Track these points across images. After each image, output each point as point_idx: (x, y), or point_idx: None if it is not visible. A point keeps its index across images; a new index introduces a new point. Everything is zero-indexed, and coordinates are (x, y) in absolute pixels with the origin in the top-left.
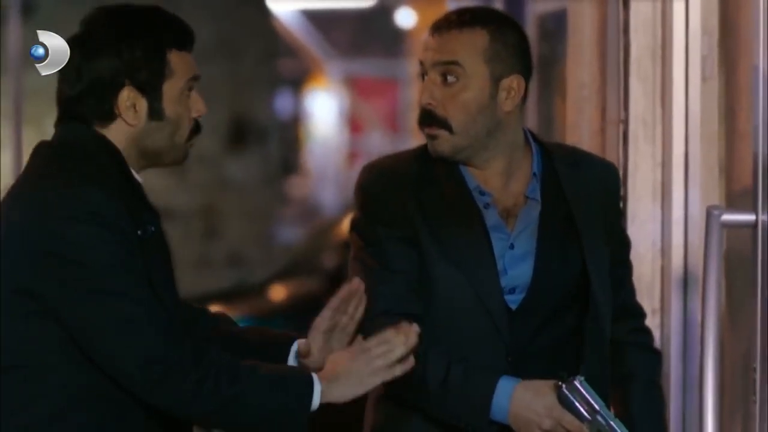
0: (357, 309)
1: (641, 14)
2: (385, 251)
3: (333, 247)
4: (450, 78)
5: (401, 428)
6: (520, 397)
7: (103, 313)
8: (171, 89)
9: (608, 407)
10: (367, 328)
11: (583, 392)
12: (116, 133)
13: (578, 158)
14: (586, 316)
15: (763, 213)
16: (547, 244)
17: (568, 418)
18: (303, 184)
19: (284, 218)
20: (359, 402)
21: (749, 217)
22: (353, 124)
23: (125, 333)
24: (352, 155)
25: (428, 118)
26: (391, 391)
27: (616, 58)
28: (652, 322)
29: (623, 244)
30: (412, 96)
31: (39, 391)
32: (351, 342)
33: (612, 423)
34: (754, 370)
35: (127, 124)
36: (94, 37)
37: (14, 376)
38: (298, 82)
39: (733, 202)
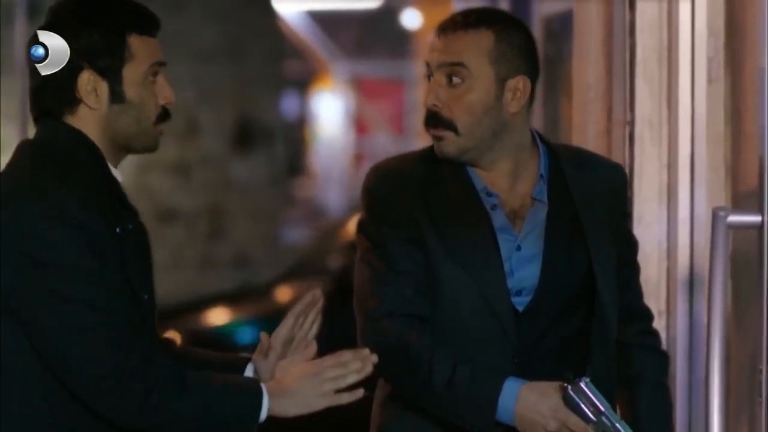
0: (313, 324)
1: (647, 15)
2: (391, 252)
3: (339, 248)
4: (455, 79)
5: (408, 428)
6: (526, 398)
7: (58, 319)
8: (132, 73)
9: (614, 408)
10: (371, 329)
11: (589, 393)
12: (84, 122)
13: (584, 159)
14: (592, 318)
15: None
16: (554, 245)
17: (574, 420)
18: (309, 185)
19: (290, 219)
20: (366, 402)
21: (755, 219)
22: (359, 125)
23: (77, 343)
24: (358, 156)
25: (434, 120)
26: (397, 391)
27: (622, 60)
28: (658, 323)
29: (630, 245)
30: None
31: (10, 394)
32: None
33: (617, 424)
34: (761, 371)
35: (90, 109)
36: (54, 24)
37: None
38: (303, 84)
39: (739, 204)
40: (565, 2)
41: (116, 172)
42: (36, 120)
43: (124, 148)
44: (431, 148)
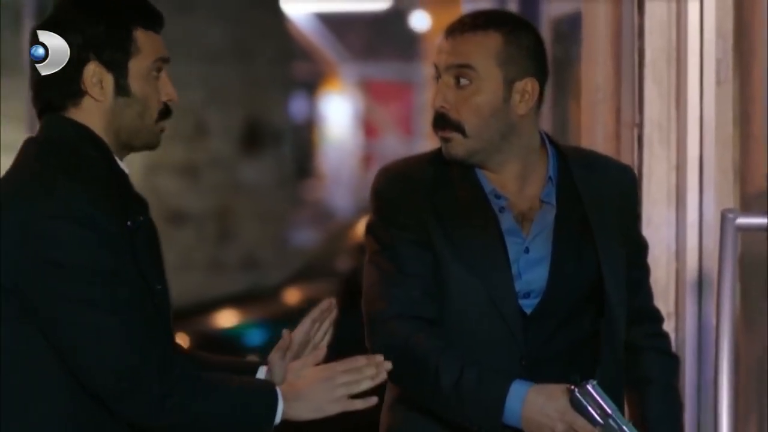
0: (326, 333)
1: (656, 17)
2: (399, 254)
3: (348, 250)
4: (463, 81)
5: (416, 431)
6: (533, 400)
7: (76, 320)
8: (137, 67)
9: (621, 411)
10: (379, 331)
11: (596, 396)
12: (89, 115)
13: (594, 161)
14: (601, 320)
15: None
16: (563, 248)
17: (581, 422)
18: (317, 187)
19: (298, 221)
20: (375, 405)
21: (764, 221)
22: (368, 127)
23: (96, 344)
24: (367, 158)
25: (442, 122)
26: (405, 393)
27: (630, 61)
28: (667, 325)
29: (640, 247)
30: (427, 99)
31: (26, 397)
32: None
33: (624, 427)
34: None
35: (95, 101)
36: (60, 17)
37: (3, 382)
38: (312, 85)
39: (747, 206)
40: (573, 4)
41: (122, 165)
42: (39, 115)
43: (127, 145)
44: (440, 150)
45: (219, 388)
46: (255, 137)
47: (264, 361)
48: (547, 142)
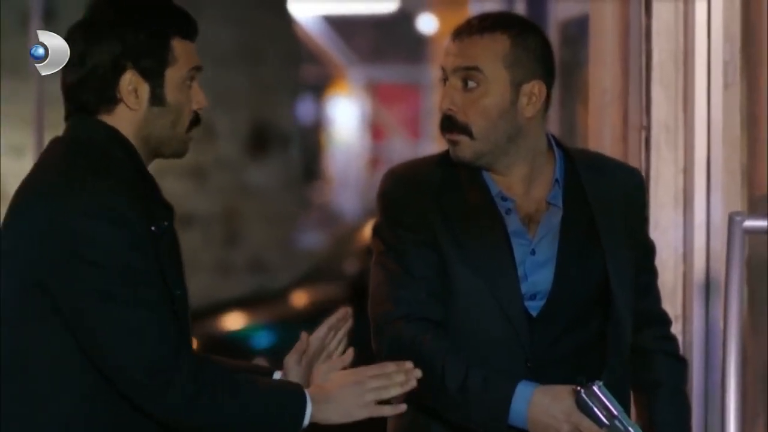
0: (340, 342)
1: (663, 20)
2: (406, 256)
3: (355, 253)
4: (470, 83)
5: None
6: (539, 402)
7: (108, 318)
8: (173, 76)
9: (628, 413)
10: (385, 332)
11: (602, 397)
12: (120, 121)
13: (601, 163)
14: (607, 323)
15: None
16: (569, 250)
17: (587, 424)
18: (325, 190)
19: (306, 224)
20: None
21: None
22: (375, 130)
23: (128, 341)
24: (374, 161)
25: (449, 124)
26: (411, 395)
27: (638, 64)
28: (674, 328)
29: (648, 250)
30: (434, 102)
31: (49, 395)
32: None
33: (630, 429)
34: None
35: (129, 109)
36: (97, 23)
37: (24, 378)
38: (319, 88)
39: (755, 208)
40: (581, 6)
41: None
42: (67, 117)
43: (154, 152)
44: (447, 152)
45: (249, 388)
46: (262, 140)
47: (276, 367)
48: (554, 144)
